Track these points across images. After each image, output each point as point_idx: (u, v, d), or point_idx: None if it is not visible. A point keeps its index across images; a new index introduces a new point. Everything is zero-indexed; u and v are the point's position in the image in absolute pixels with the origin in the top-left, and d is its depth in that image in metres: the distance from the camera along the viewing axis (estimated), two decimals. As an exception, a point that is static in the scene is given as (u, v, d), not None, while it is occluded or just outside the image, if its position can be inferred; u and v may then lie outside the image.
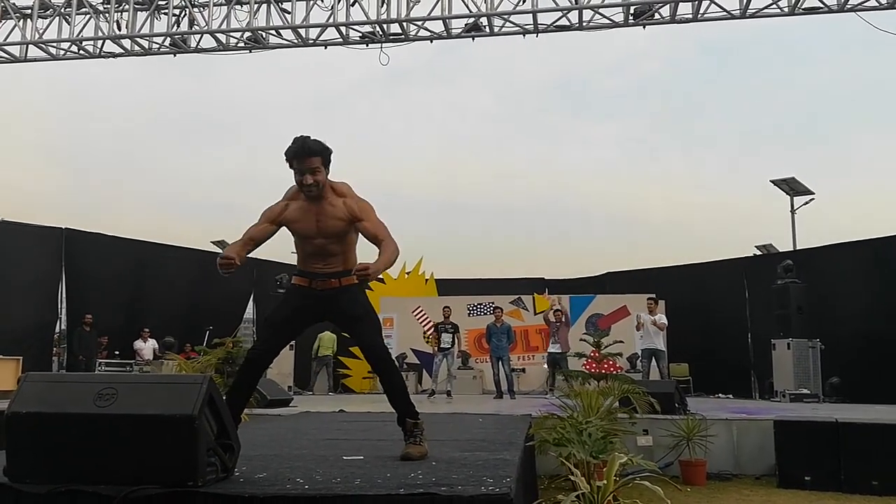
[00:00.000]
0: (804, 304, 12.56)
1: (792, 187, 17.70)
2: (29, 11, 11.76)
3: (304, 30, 11.44)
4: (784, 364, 12.41)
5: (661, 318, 12.37)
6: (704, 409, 8.00)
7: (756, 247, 17.74)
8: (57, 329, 14.46)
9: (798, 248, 16.71)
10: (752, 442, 7.01)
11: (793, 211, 17.96)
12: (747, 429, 7.13)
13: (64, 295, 14.35)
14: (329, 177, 3.80)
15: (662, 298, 13.20)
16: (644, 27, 11.11)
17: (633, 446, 6.26)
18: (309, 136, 3.74)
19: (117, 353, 14.44)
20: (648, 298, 12.89)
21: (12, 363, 12.48)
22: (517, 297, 17.40)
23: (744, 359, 15.40)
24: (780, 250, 16.66)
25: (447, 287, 18.68)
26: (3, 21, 11.83)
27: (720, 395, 14.13)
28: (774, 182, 17.87)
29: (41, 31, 11.77)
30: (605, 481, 3.17)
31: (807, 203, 18.45)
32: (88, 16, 11.66)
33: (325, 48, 11.69)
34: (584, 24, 11.16)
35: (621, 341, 8.52)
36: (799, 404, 10.99)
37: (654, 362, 12.53)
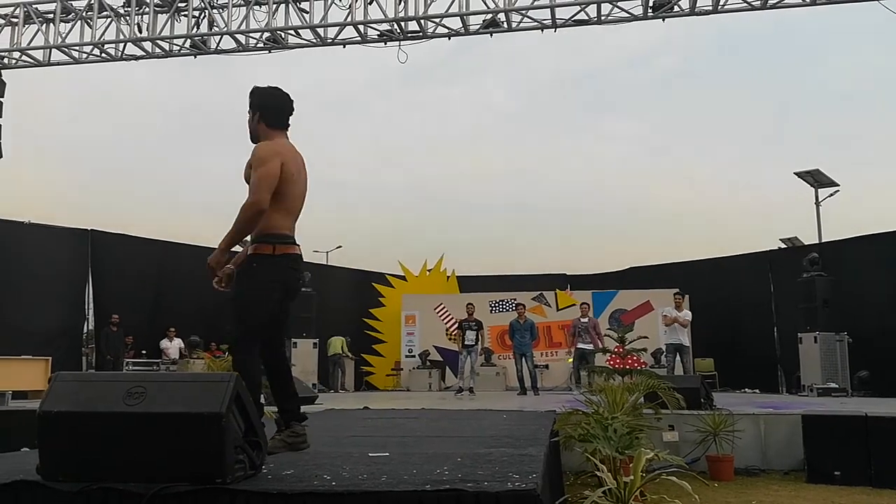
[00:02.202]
0: (831, 298, 12.43)
1: (817, 179, 17.51)
2: (51, 16, 11.90)
3: (322, 29, 11.48)
4: (811, 358, 12.29)
5: (686, 315, 12.29)
6: (731, 404, 7.93)
7: (781, 240, 17.61)
8: (85, 329, 14.65)
9: (824, 240, 16.54)
10: (780, 437, 6.93)
11: (818, 203, 17.77)
12: (775, 423, 7.05)
13: (91, 295, 14.55)
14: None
15: (686, 293, 13.09)
16: (663, 20, 11.02)
17: (659, 442, 6.22)
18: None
19: (144, 352, 14.61)
20: (675, 294, 12.79)
21: (42, 363, 12.66)
22: (539, 293, 17.36)
23: (770, 353, 15.27)
24: (806, 243, 16.49)
25: (469, 284, 18.69)
26: (27, 26, 11.98)
27: (746, 389, 14.01)
28: (799, 174, 17.69)
29: (64, 35, 11.91)
30: (631, 477, 3.16)
31: (832, 195, 18.25)
32: (110, 19, 11.79)
33: (344, 47, 11.72)
34: (603, 17, 11.09)
35: (646, 337, 8.45)
36: (827, 398, 10.87)
37: (679, 357, 12.47)
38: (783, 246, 17.23)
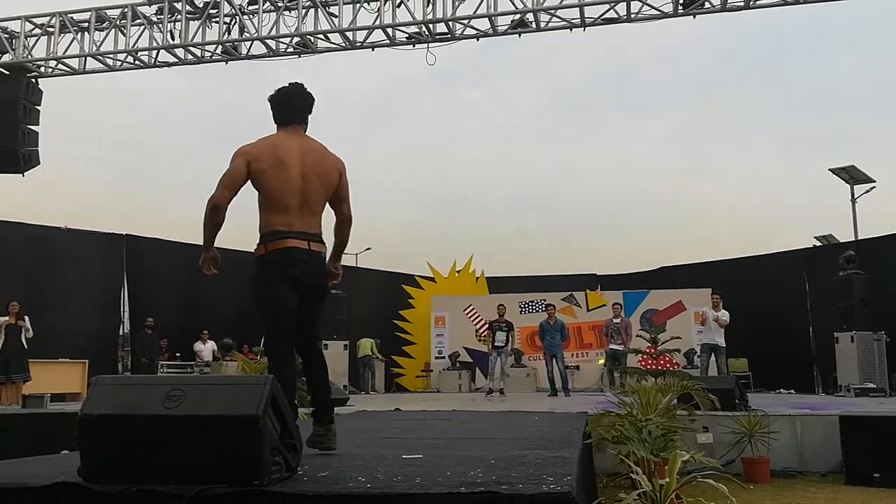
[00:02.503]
0: (868, 296, 12.21)
1: (852, 175, 17.20)
2: (86, 25, 12.12)
3: (351, 33, 11.55)
4: (848, 358, 12.09)
5: (724, 315, 12.12)
6: (766, 405, 7.82)
7: (815, 237, 17.30)
8: (120, 332, 14.89)
9: (860, 237, 16.24)
10: (817, 438, 6.82)
11: (853, 200, 17.45)
12: (812, 425, 6.95)
13: (126, 299, 14.79)
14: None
15: (719, 292, 12.94)
16: (694, 16, 10.92)
17: (693, 444, 6.15)
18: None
19: (178, 354, 14.81)
20: (714, 294, 12.61)
21: (79, 366, 12.92)
22: (569, 293, 17.28)
23: (805, 353, 15.04)
24: (841, 241, 16.19)
25: (498, 285, 18.66)
26: (62, 35, 12.21)
27: (781, 390, 13.82)
28: (833, 171, 17.39)
29: (98, 44, 12.12)
30: (667, 479, 3.13)
31: (868, 192, 17.92)
32: (143, 27, 11.98)
33: (373, 50, 11.78)
34: (633, 15, 11.01)
35: (679, 337, 8.37)
36: (865, 399, 10.68)
37: (713, 357, 12.31)
38: (818, 244, 16.94)
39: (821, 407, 8.44)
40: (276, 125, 3.80)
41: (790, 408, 8.11)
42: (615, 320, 12.99)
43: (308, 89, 3.85)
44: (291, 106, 3.79)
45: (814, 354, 14.92)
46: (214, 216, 3.56)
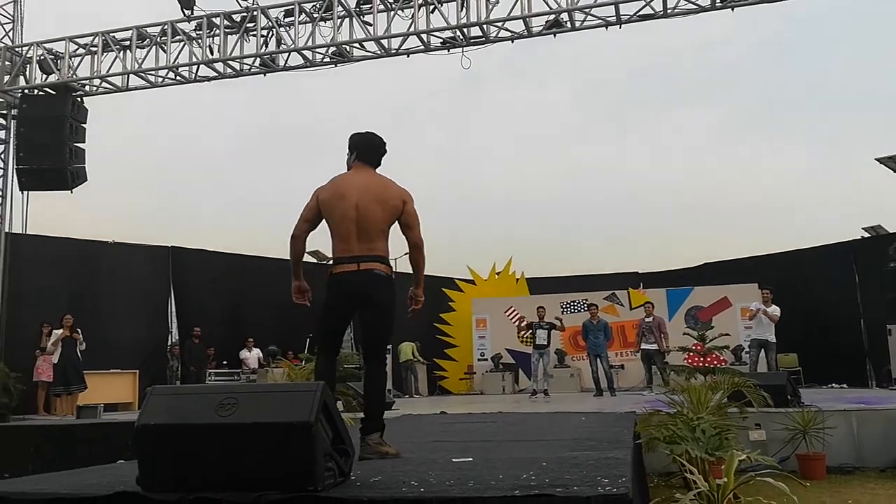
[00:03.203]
0: (921, 287, 11.87)
1: (900, 164, 16.70)
2: (128, 43, 12.39)
3: (386, 40, 11.61)
4: (902, 350, 11.77)
5: (775, 310, 11.86)
6: (819, 401, 7.66)
7: (863, 228, 16.81)
8: (169, 342, 15.17)
9: (910, 227, 15.79)
10: (875, 433, 6.66)
11: (902, 188, 16.96)
12: (869, 419, 6.78)
13: (174, 309, 15.07)
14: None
15: (768, 287, 12.65)
16: (732, 9, 10.74)
17: (746, 441, 6.04)
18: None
19: (225, 362, 15.02)
20: (764, 289, 12.34)
21: (130, 377, 13.19)
22: (611, 292, 17.11)
23: (857, 346, 14.68)
24: (890, 231, 15.76)
25: (538, 285, 18.56)
26: (105, 54, 12.49)
27: (833, 384, 13.51)
28: (880, 160, 16.93)
29: (140, 61, 12.38)
30: (724, 479, 3.07)
31: (918, 179, 17.39)
32: (183, 43, 12.19)
33: (408, 56, 11.82)
34: (669, 10, 10.88)
35: (727, 334, 8.22)
36: (921, 392, 10.39)
37: (762, 354, 12.06)
38: (866, 235, 16.48)
39: (876, 401, 8.23)
40: (348, 163, 4.36)
41: (844, 402, 7.92)
42: (647, 319, 12.81)
43: (379, 136, 4.39)
44: (360, 148, 4.33)
45: (866, 348, 14.56)
46: (293, 246, 4.22)
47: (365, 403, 4.20)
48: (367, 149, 4.32)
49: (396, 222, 4.18)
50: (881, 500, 5.20)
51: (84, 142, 12.86)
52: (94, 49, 12.53)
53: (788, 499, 3.15)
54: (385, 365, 4.37)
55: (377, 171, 4.30)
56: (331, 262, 4.17)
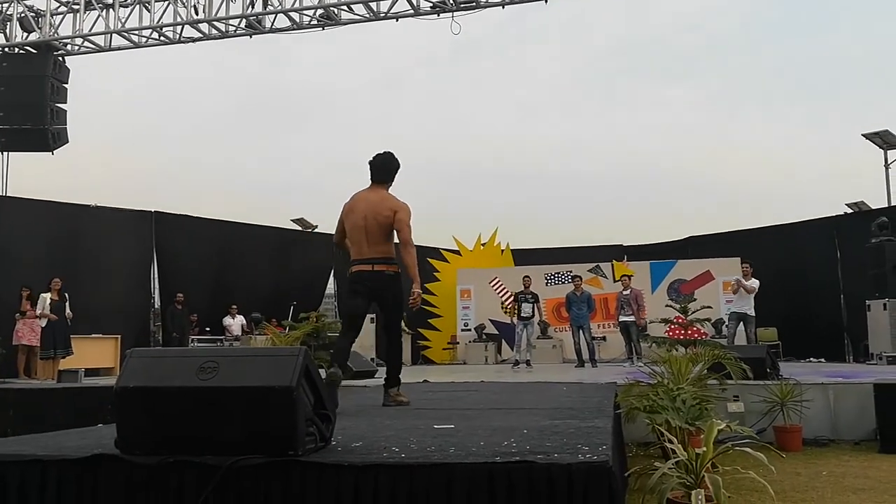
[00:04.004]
0: (901, 263, 11.98)
1: (885, 140, 16.78)
2: (111, 1, 12.15)
3: (374, 3, 11.45)
4: (880, 325, 11.92)
5: (753, 283, 11.96)
6: (797, 374, 7.75)
7: (847, 204, 16.92)
8: (151, 308, 15.09)
9: (893, 203, 15.91)
10: (851, 406, 6.75)
11: (887, 165, 17.07)
12: (845, 393, 6.87)
13: (156, 275, 14.97)
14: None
15: (748, 261, 12.76)
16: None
17: (724, 413, 6.11)
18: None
19: (207, 329, 14.99)
20: (743, 263, 12.45)
21: (111, 342, 13.13)
22: (595, 264, 17.15)
23: (836, 321, 14.86)
24: (873, 207, 15.87)
25: (523, 257, 18.59)
26: (88, 12, 12.25)
27: (811, 358, 13.67)
28: (866, 136, 17.00)
29: (123, 20, 12.15)
30: (703, 448, 3.10)
31: (902, 157, 17.50)
32: (167, 2, 11.98)
33: (397, 20, 11.68)
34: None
35: (709, 307, 8.29)
36: (898, 367, 10.54)
37: (741, 327, 12.19)
38: (849, 211, 16.59)
39: (853, 375, 8.35)
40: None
41: (822, 376, 8.02)
42: (625, 292, 13.00)
43: (390, 159, 5.39)
44: (373, 170, 5.36)
45: (845, 323, 14.74)
46: (335, 247, 5.64)
47: (387, 365, 5.56)
48: (377, 170, 5.34)
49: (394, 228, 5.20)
50: (853, 471, 5.28)
51: (65, 102, 12.66)
52: (76, 7, 12.29)
53: (766, 469, 3.18)
54: (400, 337, 5.55)
55: (390, 186, 5.38)
56: (350, 262, 5.30)
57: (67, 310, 11.50)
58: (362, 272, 5.20)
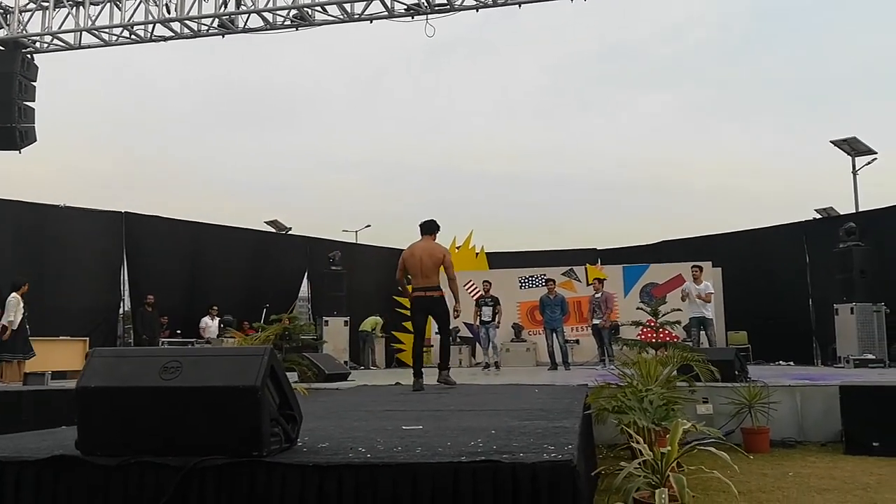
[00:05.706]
0: (868, 268, 12.19)
1: (853, 147, 17.10)
2: (81, -1, 11.98)
3: (349, 4, 11.41)
4: (847, 329, 12.10)
5: (707, 288, 12.04)
6: (765, 376, 7.84)
7: (815, 210, 17.20)
8: (121, 310, 14.89)
9: (860, 209, 16.19)
10: (817, 408, 6.84)
11: (854, 172, 17.38)
12: (812, 395, 6.96)
13: (126, 277, 14.76)
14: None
15: (719, 265, 12.89)
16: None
17: (693, 415, 6.16)
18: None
19: (179, 332, 14.81)
20: (693, 267, 12.58)
21: (80, 344, 12.91)
22: (569, 268, 17.22)
23: (805, 325, 15.06)
24: (841, 213, 16.13)
25: (498, 260, 18.62)
26: (57, 9, 12.07)
27: (780, 362, 13.84)
28: (835, 143, 17.30)
29: (93, 18, 11.98)
30: (668, 448, 3.12)
31: (869, 163, 17.83)
32: (139, 0, 11.83)
33: (371, 22, 11.64)
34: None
35: (679, 310, 8.36)
36: (864, 370, 10.70)
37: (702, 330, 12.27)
38: (818, 216, 16.85)
39: (820, 378, 8.46)
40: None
41: (790, 379, 8.12)
42: (597, 295, 13.14)
43: (434, 222, 7.93)
44: (423, 228, 7.84)
45: (813, 327, 14.93)
46: (397, 285, 8.46)
47: (440, 355, 8.25)
48: (426, 228, 7.83)
49: (442, 266, 7.64)
50: (819, 472, 5.35)
51: (34, 100, 12.46)
52: (45, 4, 12.10)
53: (732, 468, 3.21)
54: (448, 337, 8.17)
55: (435, 237, 7.87)
56: (412, 290, 7.81)
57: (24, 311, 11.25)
58: (421, 297, 7.63)
